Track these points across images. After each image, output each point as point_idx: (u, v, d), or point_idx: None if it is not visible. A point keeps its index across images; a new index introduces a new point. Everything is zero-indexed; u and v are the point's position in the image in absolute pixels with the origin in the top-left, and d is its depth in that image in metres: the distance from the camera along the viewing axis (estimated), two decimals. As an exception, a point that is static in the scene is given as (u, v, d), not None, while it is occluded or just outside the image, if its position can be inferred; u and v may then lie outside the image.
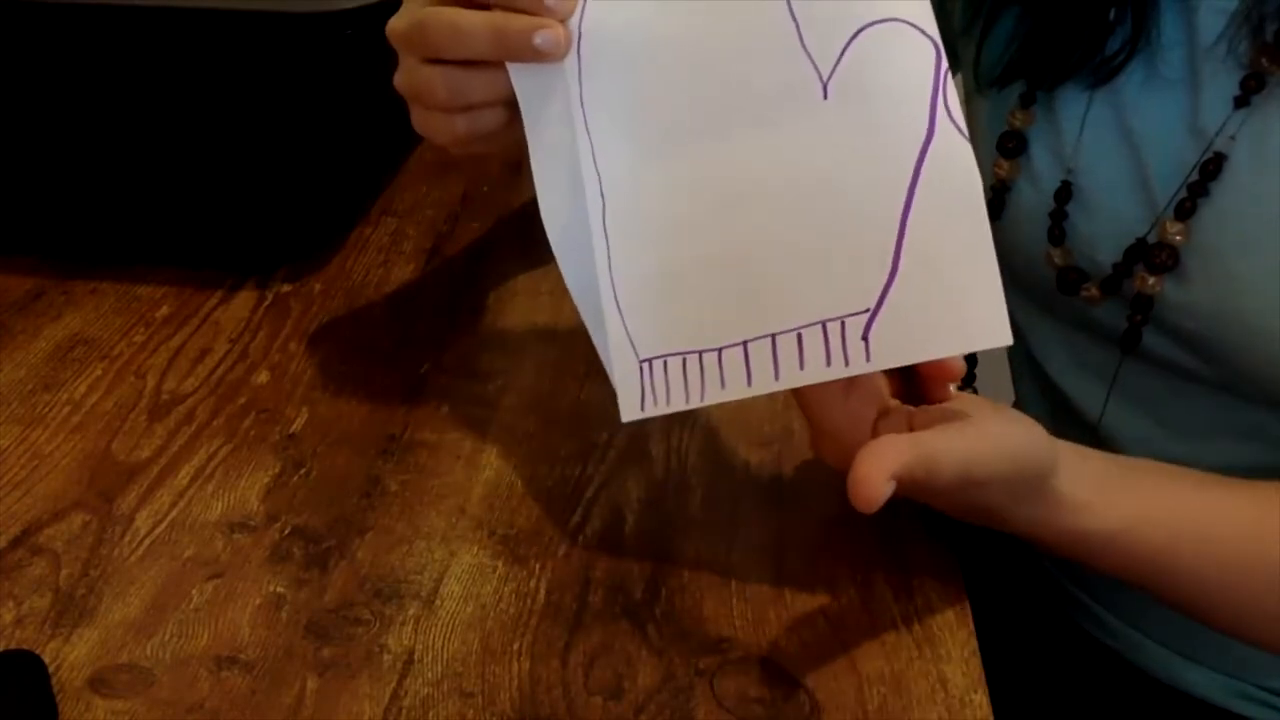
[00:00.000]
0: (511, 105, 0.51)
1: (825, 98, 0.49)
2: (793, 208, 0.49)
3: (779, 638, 0.51)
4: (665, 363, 0.51)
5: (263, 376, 0.66)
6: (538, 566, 0.54)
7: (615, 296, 0.52)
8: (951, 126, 0.47)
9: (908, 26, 0.47)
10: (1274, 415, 0.60)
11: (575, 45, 0.50)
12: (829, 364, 0.48)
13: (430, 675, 0.49)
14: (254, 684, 0.48)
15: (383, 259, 0.77)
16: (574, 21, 0.50)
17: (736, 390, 0.50)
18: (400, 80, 0.52)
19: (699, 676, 0.49)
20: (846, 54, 0.48)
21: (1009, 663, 0.60)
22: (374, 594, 0.52)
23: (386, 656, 0.50)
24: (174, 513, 0.56)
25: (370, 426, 0.62)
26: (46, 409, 0.63)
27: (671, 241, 0.51)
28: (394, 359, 0.67)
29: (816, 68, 0.49)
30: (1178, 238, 0.58)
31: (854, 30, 0.48)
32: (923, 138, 0.47)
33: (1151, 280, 0.59)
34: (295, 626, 0.51)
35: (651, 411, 0.51)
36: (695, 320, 0.51)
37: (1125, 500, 0.53)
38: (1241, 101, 0.57)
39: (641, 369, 0.51)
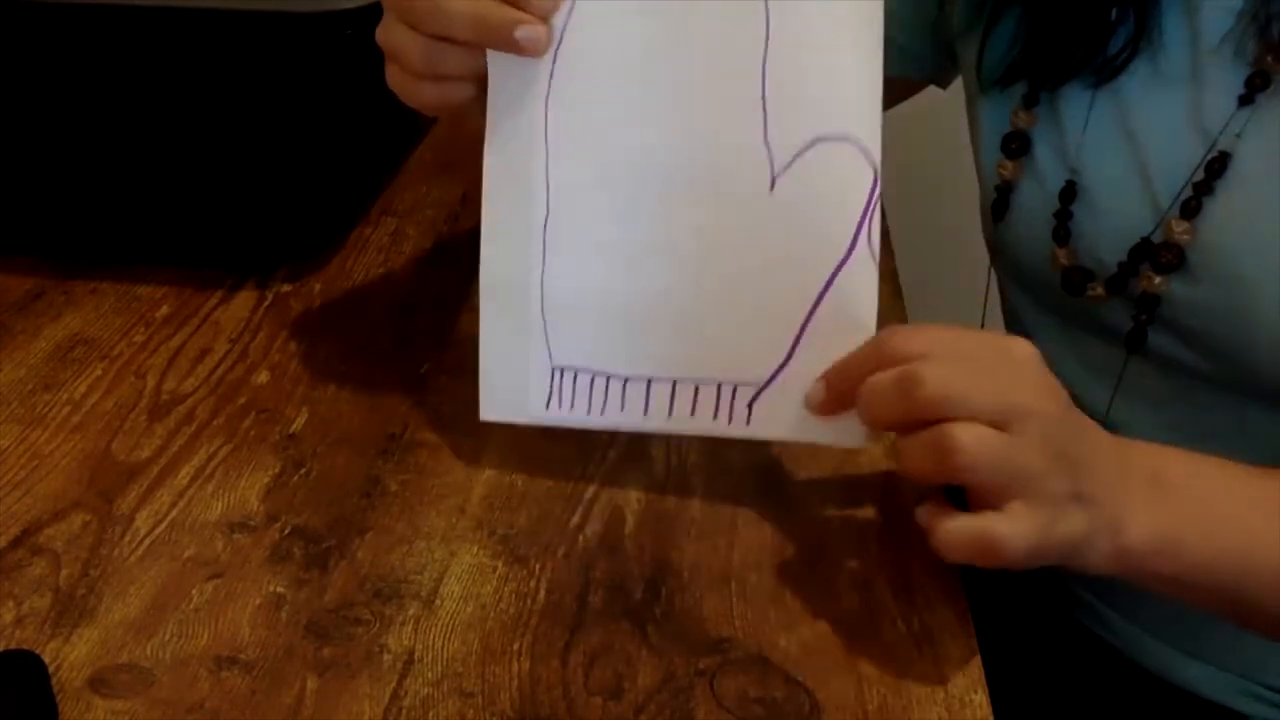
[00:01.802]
0: (482, 82, 0.52)
1: (771, 190, 0.52)
2: (718, 276, 0.54)
3: (779, 638, 0.51)
4: (575, 375, 0.55)
5: (263, 376, 0.66)
6: (538, 566, 0.54)
7: (541, 300, 0.55)
8: (867, 251, 0.52)
9: (856, 150, 0.51)
10: (1278, 413, 0.60)
11: (555, 45, 0.51)
12: (715, 418, 0.55)
13: (430, 675, 0.49)
14: (254, 684, 0.48)
15: (383, 259, 0.77)
16: (558, 21, 0.50)
17: (632, 420, 0.55)
18: (381, 35, 0.52)
19: (699, 676, 0.49)
20: (800, 158, 0.52)
21: (1009, 662, 0.60)
22: (374, 594, 0.52)
23: (386, 656, 0.50)
24: (174, 513, 0.56)
25: (370, 426, 0.62)
26: (46, 409, 0.63)
27: (604, 268, 0.54)
28: (394, 359, 0.67)
29: (772, 161, 0.52)
30: (1184, 237, 0.58)
31: (812, 139, 0.51)
32: (841, 255, 0.52)
33: (1157, 279, 0.59)
34: (295, 626, 0.51)
35: (555, 414, 0.55)
36: (610, 346, 0.55)
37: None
38: (1246, 100, 0.57)
39: (554, 373, 0.55)
